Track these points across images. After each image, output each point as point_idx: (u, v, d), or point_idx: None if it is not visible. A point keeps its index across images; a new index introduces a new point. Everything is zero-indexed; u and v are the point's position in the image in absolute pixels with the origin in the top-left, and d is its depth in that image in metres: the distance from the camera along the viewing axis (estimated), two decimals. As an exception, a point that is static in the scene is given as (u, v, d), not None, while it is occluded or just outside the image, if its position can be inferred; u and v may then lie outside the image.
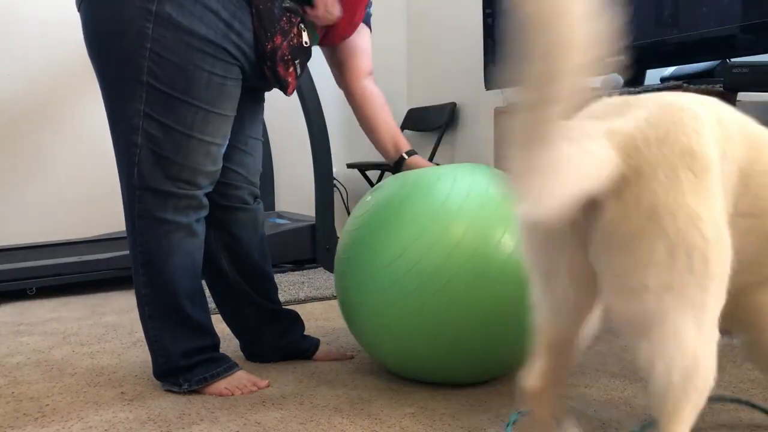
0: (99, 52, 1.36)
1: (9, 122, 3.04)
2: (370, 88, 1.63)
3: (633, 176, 0.77)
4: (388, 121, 1.63)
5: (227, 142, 1.45)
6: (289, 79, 1.47)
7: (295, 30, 1.43)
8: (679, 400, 0.81)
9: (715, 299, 0.81)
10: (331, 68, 1.69)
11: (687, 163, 0.78)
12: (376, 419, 1.29)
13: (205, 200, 1.44)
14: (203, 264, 1.55)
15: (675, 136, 0.79)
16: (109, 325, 2.08)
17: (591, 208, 0.80)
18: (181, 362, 1.43)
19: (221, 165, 1.45)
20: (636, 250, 0.78)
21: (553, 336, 0.95)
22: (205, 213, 1.45)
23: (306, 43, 1.46)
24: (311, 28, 1.51)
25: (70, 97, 3.12)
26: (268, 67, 1.43)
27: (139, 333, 2.00)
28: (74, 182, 3.16)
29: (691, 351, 0.80)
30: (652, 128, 0.79)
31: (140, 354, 1.76)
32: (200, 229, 1.44)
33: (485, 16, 2.72)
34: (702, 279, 0.78)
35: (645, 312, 0.79)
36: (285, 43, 1.42)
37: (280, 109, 2.93)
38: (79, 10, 1.37)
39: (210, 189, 1.44)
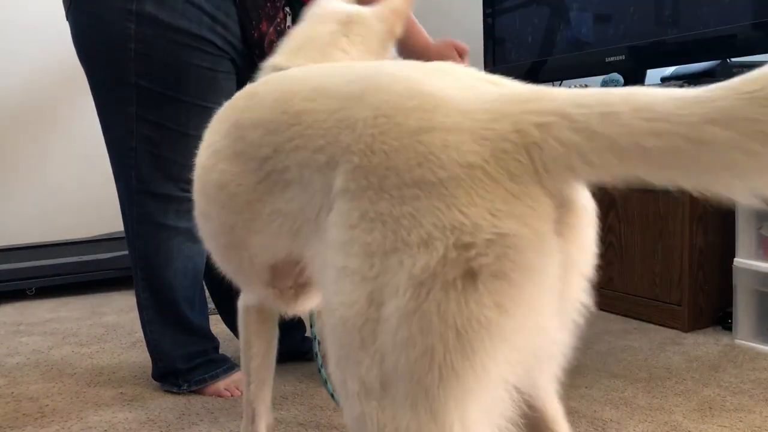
0: (87, 59, 1.34)
1: (9, 122, 3.04)
2: None
3: None
4: None
5: None
6: None
7: (281, 15, 1.38)
8: None
9: None
10: None
11: None
12: (375, 419, 1.29)
13: None
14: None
15: None
16: (109, 325, 2.08)
17: None
18: (180, 365, 1.43)
19: None
20: None
21: None
22: None
23: (289, 27, 1.39)
24: (300, 9, 1.46)
25: (70, 96, 3.11)
26: (257, 56, 1.38)
27: (139, 333, 1.99)
28: (74, 182, 3.16)
29: None
30: None
31: (140, 354, 1.75)
32: None
33: (485, 16, 2.72)
34: None
35: None
36: (272, 29, 1.37)
37: (280, 109, 2.93)
38: (67, 19, 1.36)
39: None
